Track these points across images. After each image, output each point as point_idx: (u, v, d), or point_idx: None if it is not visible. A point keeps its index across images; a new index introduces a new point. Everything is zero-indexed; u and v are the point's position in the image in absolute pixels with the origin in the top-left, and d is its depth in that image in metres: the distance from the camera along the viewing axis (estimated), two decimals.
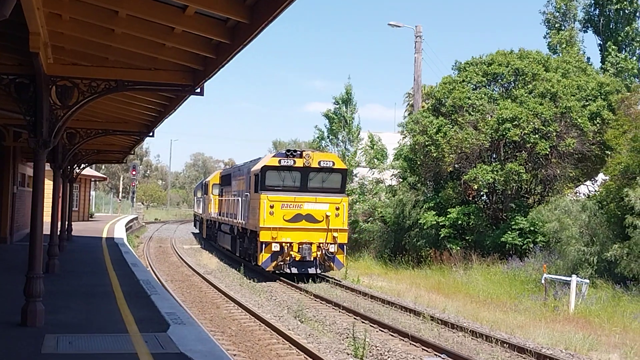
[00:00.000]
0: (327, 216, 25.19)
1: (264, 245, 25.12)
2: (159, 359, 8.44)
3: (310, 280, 25.34)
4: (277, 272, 25.73)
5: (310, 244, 25.16)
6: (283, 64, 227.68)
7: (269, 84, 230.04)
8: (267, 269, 25.65)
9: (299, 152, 26.06)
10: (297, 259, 25.18)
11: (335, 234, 25.28)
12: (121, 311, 11.78)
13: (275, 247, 25.03)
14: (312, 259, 25.24)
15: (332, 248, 25.30)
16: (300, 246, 25.11)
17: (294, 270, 25.31)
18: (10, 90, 10.02)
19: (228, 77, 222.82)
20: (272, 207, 24.95)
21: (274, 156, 26.48)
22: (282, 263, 25.21)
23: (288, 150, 26.27)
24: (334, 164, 26.00)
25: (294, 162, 25.47)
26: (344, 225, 25.71)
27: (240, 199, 29.62)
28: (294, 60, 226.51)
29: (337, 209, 25.37)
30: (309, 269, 25.42)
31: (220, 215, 36.48)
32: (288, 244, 25.07)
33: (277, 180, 25.56)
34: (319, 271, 25.79)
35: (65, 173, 21.66)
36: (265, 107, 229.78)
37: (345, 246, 26.16)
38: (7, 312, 10.92)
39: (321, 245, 25.20)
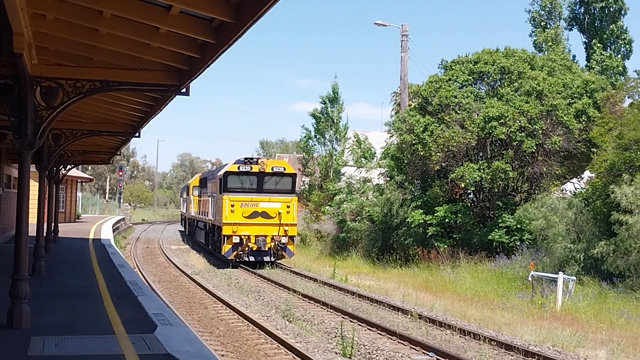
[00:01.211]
0: (279, 213, 29.74)
1: (226, 238, 29.55)
2: None
3: (265, 266, 29.66)
4: (237, 260, 30.03)
5: (265, 236, 29.71)
6: (269, 63, 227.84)
7: (255, 84, 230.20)
8: (229, 258, 29.96)
9: (255, 160, 30.59)
10: (254, 249, 29.69)
11: (286, 228, 29.91)
12: (108, 312, 11.73)
13: (236, 240, 29.46)
14: (267, 249, 29.83)
15: (284, 240, 29.95)
16: (257, 238, 29.61)
17: (252, 259, 29.78)
18: None
19: (214, 77, 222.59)
20: (232, 206, 29.45)
21: (234, 163, 30.72)
22: (241, 252, 29.67)
23: (246, 158, 30.58)
24: (284, 169, 30.74)
25: (251, 168, 30.01)
26: (293, 221, 30.38)
27: (210, 199, 34.13)
28: (280, 59, 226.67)
29: (288, 207, 30.00)
30: (264, 257, 29.90)
31: (198, 214, 40.23)
32: (246, 237, 29.56)
33: (237, 183, 30.04)
34: (273, 259, 30.19)
35: (51, 174, 21.53)
36: (251, 106, 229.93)
37: (294, 238, 31.00)
38: None
39: (274, 237, 29.77)
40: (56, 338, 9.52)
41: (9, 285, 10.05)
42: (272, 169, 30.21)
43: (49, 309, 11.67)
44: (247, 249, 29.65)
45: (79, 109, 15.25)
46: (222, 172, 31.06)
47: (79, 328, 10.34)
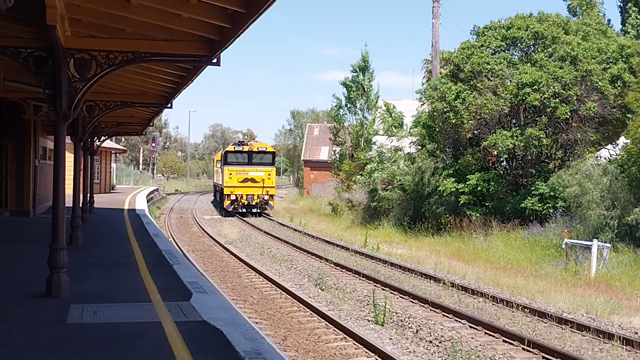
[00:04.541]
0: (262, 179, 42.22)
1: (226, 196, 42.47)
2: (182, 327, 8.55)
3: (254, 216, 41.83)
4: (234, 211, 42.07)
5: (253, 195, 42.24)
6: (297, 31, 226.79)
7: (284, 53, 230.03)
8: (228, 210, 42.23)
9: (245, 142, 44.96)
10: (245, 203, 42.27)
11: (267, 189, 42.52)
12: (144, 281, 11.92)
13: (233, 197, 42.11)
14: (254, 204, 42.38)
15: (266, 197, 42.56)
16: (247, 196, 42.18)
17: (244, 210, 42.17)
18: (28, 64, 10.07)
19: (243, 48, 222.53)
20: (230, 174, 42.10)
21: (232, 145, 45.28)
22: (237, 206, 42.13)
23: (239, 141, 46.14)
24: (266, 148, 43.87)
25: (243, 148, 43.24)
26: (273, 184, 43.09)
27: (220, 170, 46.35)
28: (307, 27, 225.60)
29: (269, 174, 42.56)
30: (252, 209, 42.44)
31: (218, 181, 50.73)
32: (240, 195, 42.14)
33: (233, 158, 42.86)
34: (258, 211, 42.67)
35: (86, 146, 21.80)
36: (281, 76, 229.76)
37: (273, 196, 43.78)
38: (32, 283, 11.10)
39: (259, 195, 42.36)
40: (94, 306, 9.71)
41: (47, 255, 10.25)
42: (257, 148, 43.20)
43: (86, 278, 11.89)
44: (240, 203, 42.07)
45: (112, 81, 15.38)
46: (223, 151, 45.65)
47: (117, 296, 10.53)
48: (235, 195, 41.89)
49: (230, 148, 44.03)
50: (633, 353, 12.18)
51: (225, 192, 42.47)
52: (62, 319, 8.92)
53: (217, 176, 53.11)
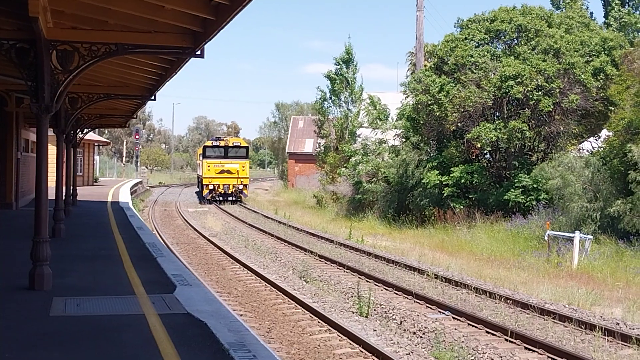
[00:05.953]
0: (237, 170, 47.10)
1: (205, 186, 47.60)
2: (166, 319, 8.55)
3: (229, 204, 46.18)
4: (212, 200, 46.89)
5: (229, 185, 47.04)
6: (282, 24, 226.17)
7: (267, 46, 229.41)
8: (207, 198, 47.07)
9: (221, 138, 50.78)
10: (222, 192, 47.01)
11: (242, 180, 47.40)
12: (128, 274, 11.90)
13: (211, 187, 47.17)
14: (230, 193, 47.08)
15: (241, 187, 47.44)
16: (224, 186, 46.96)
17: (221, 199, 46.90)
18: (10, 56, 9.99)
19: (227, 39, 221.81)
20: (209, 166, 47.20)
21: (209, 140, 51.11)
22: (214, 194, 47.05)
23: (216, 137, 51.87)
24: (240, 144, 49.38)
25: (220, 143, 48.55)
26: (247, 175, 48.23)
27: (201, 162, 50.93)
28: (292, 20, 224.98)
29: (243, 167, 47.56)
30: (228, 198, 47.10)
31: (199, 173, 55.34)
32: (217, 185, 47.04)
33: (211, 152, 47.94)
34: (234, 199, 47.16)
35: (69, 138, 21.66)
36: (265, 68, 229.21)
37: (247, 185, 48.69)
38: (15, 276, 11.04)
39: (234, 185, 47.22)
40: (78, 299, 9.68)
41: (30, 248, 10.20)
42: (233, 143, 48.64)
43: (69, 271, 11.85)
44: (217, 192, 46.90)
45: (95, 73, 15.29)
46: (202, 146, 50.88)
47: (100, 289, 10.51)
48: (213, 185, 46.92)
49: (209, 143, 49.44)
50: (614, 344, 12.31)
51: (204, 183, 47.65)
52: (45, 311, 8.90)
53: (199, 168, 57.22)
